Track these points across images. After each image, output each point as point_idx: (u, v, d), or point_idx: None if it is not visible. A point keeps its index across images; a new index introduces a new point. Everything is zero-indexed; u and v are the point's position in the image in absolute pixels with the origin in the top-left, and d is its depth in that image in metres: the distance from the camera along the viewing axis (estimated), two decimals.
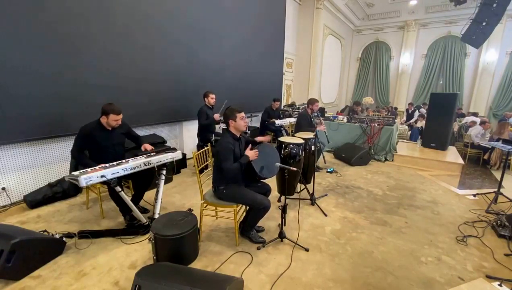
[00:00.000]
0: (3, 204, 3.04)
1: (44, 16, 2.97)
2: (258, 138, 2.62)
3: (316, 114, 4.10)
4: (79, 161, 2.51)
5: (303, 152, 3.15)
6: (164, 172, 2.79)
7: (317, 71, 9.86)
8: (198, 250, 2.32)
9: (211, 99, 4.31)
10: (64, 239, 2.32)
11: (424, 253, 2.42)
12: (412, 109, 9.68)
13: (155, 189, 2.78)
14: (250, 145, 2.46)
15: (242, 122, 2.35)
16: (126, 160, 2.52)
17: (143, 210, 2.92)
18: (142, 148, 2.80)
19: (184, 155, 4.56)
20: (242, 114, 2.36)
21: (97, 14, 3.43)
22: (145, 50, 4.09)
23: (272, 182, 2.73)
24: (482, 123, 6.09)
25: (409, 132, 7.86)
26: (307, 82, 9.73)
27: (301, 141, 3.12)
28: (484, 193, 3.73)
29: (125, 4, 3.74)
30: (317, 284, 2.00)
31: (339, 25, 11.19)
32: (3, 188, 3.02)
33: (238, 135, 2.41)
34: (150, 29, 4.12)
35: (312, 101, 4.25)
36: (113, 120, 2.51)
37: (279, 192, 3.23)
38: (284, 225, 2.49)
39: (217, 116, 4.21)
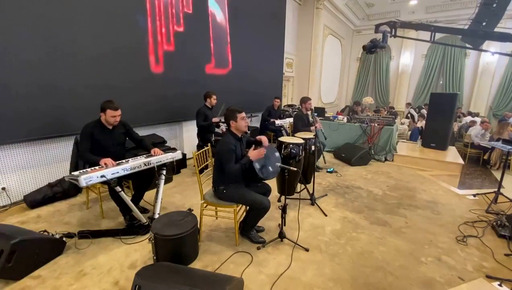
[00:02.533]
0: (3, 204, 3.04)
1: (45, 15, 2.97)
2: (259, 137, 2.56)
3: (316, 113, 4.11)
4: (87, 161, 2.48)
5: (303, 152, 3.15)
6: (164, 172, 2.78)
7: (317, 71, 9.86)
8: (198, 250, 2.32)
9: (214, 100, 4.32)
10: (64, 239, 2.32)
11: (424, 253, 2.42)
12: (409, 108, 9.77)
13: (155, 189, 2.78)
14: (253, 146, 2.45)
15: (243, 122, 2.36)
16: (126, 160, 2.52)
17: (143, 210, 2.92)
18: (152, 152, 2.71)
19: (184, 155, 4.57)
20: (243, 114, 2.36)
21: (97, 13, 3.43)
22: (144, 49, 4.09)
23: (272, 182, 2.73)
24: (482, 123, 6.09)
25: (409, 132, 7.86)
26: (307, 82, 9.73)
27: (301, 141, 3.12)
28: (484, 193, 3.73)
29: (125, 3, 3.75)
30: (317, 284, 2.00)
31: (339, 25, 11.18)
32: (3, 188, 3.02)
33: (240, 135, 2.42)
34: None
35: (305, 100, 4.26)
36: (111, 116, 2.48)
37: (279, 192, 3.23)
38: (284, 225, 2.49)
39: (216, 119, 4.22)
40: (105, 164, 2.32)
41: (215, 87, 4.67)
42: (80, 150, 2.49)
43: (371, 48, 2.74)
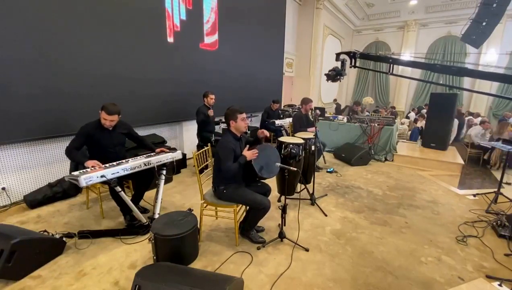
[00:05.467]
0: (3, 204, 3.04)
1: (44, 13, 2.97)
2: (260, 132, 2.53)
3: (318, 111, 4.10)
4: (70, 157, 2.46)
5: (303, 152, 3.15)
6: (164, 172, 2.78)
7: (317, 71, 9.87)
8: (198, 250, 2.32)
9: (211, 99, 4.33)
10: (64, 239, 2.32)
11: (424, 253, 2.42)
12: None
13: (155, 189, 2.78)
14: (247, 146, 2.46)
15: (243, 123, 2.36)
16: (126, 160, 2.52)
17: (143, 210, 2.92)
18: (158, 150, 2.81)
19: (184, 155, 4.57)
20: (244, 115, 2.36)
21: (96, 14, 3.43)
22: (145, 50, 4.09)
23: (272, 182, 2.73)
24: (482, 123, 6.09)
25: (409, 132, 7.87)
26: (307, 82, 9.74)
27: (301, 141, 3.12)
28: (484, 193, 3.73)
29: (127, 4, 3.75)
30: (317, 284, 2.00)
31: (339, 25, 11.19)
32: (3, 188, 3.02)
33: (239, 135, 2.42)
34: (149, 29, 4.12)
35: (306, 101, 4.25)
36: (103, 118, 2.46)
37: (279, 192, 3.23)
38: (284, 225, 2.49)
39: (211, 112, 4.20)
40: (93, 167, 2.26)
41: (214, 86, 4.67)
42: (69, 145, 2.43)
43: (335, 77, 2.77)
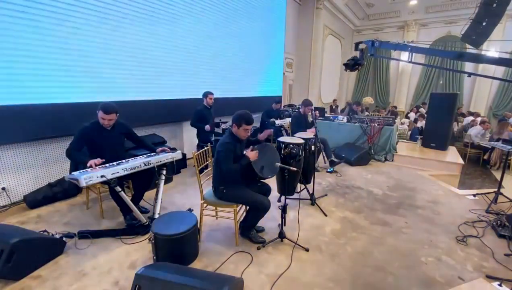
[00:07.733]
0: (3, 204, 3.04)
1: (45, 13, 2.97)
2: (260, 136, 2.63)
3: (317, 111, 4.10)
4: (71, 158, 2.47)
5: (303, 152, 3.15)
6: (164, 172, 2.78)
7: (317, 71, 9.86)
8: (198, 250, 2.32)
9: (210, 99, 4.36)
10: (64, 239, 2.32)
11: (424, 253, 2.42)
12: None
13: (155, 189, 2.78)
14: (251, 147, 2.46)
15: (244, 133, 2.35)
16: (126, 160, 2.52)
17: (143, 210, 2.91)
18: (159, 151, 2.80)
19: (184, 155, 4.56)
20: (249, 127, 2.33)
21: (96, 16, 3.43)
22: (145, 50, 4.09)
23: (272, 182, 2.73)
24: (482, 123, 6.09)
25: (409, 132, 7.86)
26: (307, 82, 9.74)
27: (301, 141, 3.12)
28: (484, 193, 3.73)
29: (128, 4, 3.75)
30: (317, 284, 2.00)
31: (339, 25, 11.19)
32: (3, 188, 3.02)
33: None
34: (150, 30, 4.12)
35: (306, 103, 4.24)
36: (101, 117, 2.47)
37: (279, 192, 3.23)
38: (284, 225, 2.49)
39: (207, 127, 4.20)
40: (92, 165, 2.25)
41: (214, 86, 4.67)
42: (69, 147, 2.43)
43: (353, 66, 2.80)
